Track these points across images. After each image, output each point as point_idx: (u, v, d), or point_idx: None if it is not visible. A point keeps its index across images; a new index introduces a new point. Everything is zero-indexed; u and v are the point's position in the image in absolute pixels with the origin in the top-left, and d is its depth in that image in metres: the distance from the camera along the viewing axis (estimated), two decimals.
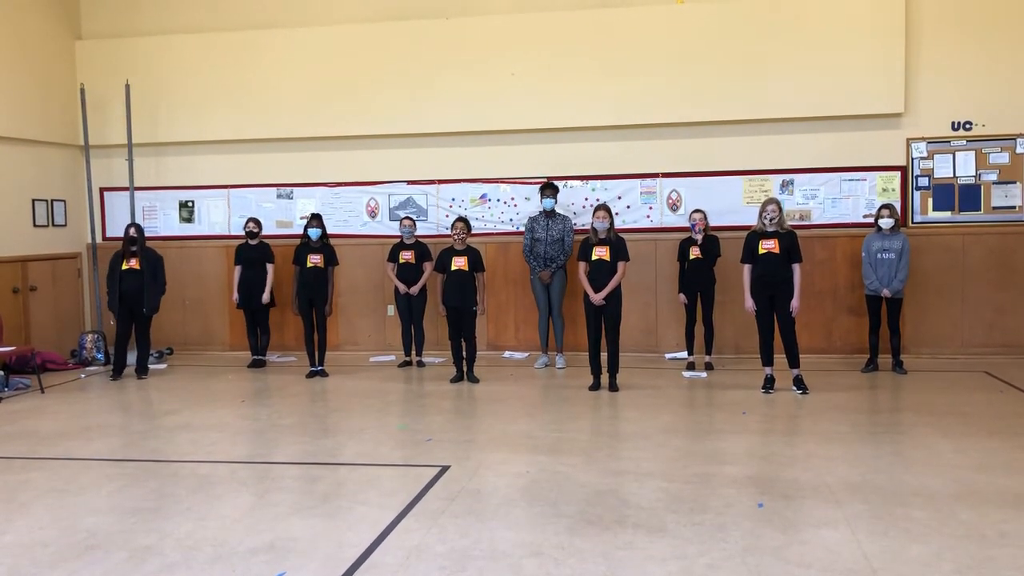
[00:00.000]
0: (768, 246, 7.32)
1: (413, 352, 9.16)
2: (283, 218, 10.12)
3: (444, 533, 4.23)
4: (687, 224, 8.88)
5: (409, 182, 9.88)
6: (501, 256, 9.69)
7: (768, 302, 7.38)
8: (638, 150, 9.41)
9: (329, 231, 9.17)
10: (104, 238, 10.36)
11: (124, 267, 8.60)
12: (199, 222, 10.36)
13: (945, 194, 8.95)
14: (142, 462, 5.67)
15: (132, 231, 8.72)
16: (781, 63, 8.94)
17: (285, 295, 9.46)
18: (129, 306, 8.58)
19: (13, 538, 4.31)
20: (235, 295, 9.22)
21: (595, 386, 7.68)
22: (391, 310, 9.64)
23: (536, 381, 8.26)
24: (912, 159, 8.98)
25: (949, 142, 8.92)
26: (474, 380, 8.15)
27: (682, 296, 8.60)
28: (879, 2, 8.80)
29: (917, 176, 8.99)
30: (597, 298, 7.50)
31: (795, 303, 7.27)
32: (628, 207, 9.44)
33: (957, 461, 5.29)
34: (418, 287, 8.89)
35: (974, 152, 8.89)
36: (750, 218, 8.46)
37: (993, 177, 8.88)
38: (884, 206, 8.25)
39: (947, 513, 4.38)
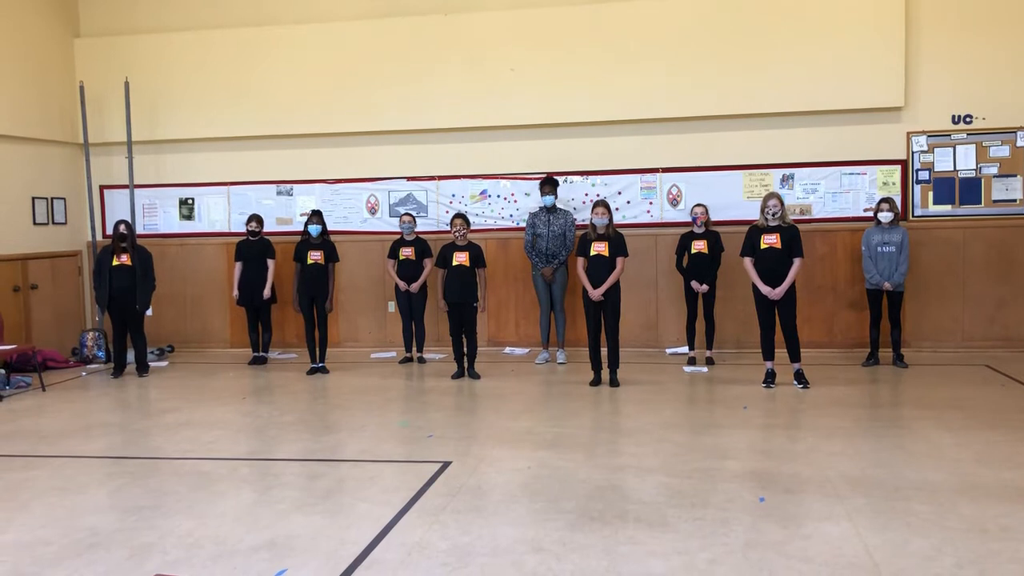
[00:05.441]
0: (770, 241, 7.31)
1: (414, 348, 9.16)
2: (283, 215, 10.11)
3: (446, 529, 4.23)
4: (687, 219, 8.89)
5: (409, 178, 9.88)
6: (501, 252, 9.68)
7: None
8: (638, 145, 9.39)
9: (329, 228, 9.17)
10: (104, 236, 10.33)
11: (115, 263, 8.59)
12: (199, 219, 10.36)
13: (945, 188, 8.94)
14: (143, 460, 5.67)
15: (122, 228, 8.72)
16: (781, 57, 8.92)
17: (286, 292, 9.46)
18: (120, 303, 8.58)
19: (14, 536, 4.31)
20: (235, 292, 9.22)
21: (596, 381, 7.67)
22: (392, 306, 9.64)
23: (537, 377, 8.25)
24: (912, 153, 8.97)
25: (949, 135, 8.91)
26: (475, 376, 8.15)
27: (695, 283, 8.47)
28: None
29: (917, 170, 8.98)
30: (596, 294, 7.50)
31: (779, 289, 7.24)
32: (628, 202, 9.43)
33: (958, 455, 5.29)
34: (418, 284, 8.89)
35: (974, 145, 8.87)
36: (750, 212, 8.47)
37: (993, 170, 8.86)
38: (883, 200, 8.24)
39: (948, 507, 4.37)
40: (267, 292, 9.13)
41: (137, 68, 10.08)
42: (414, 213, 9.40)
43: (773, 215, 7.34)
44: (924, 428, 5.95)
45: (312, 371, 8.65)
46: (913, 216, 8.97)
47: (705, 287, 8.45)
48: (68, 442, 6.18)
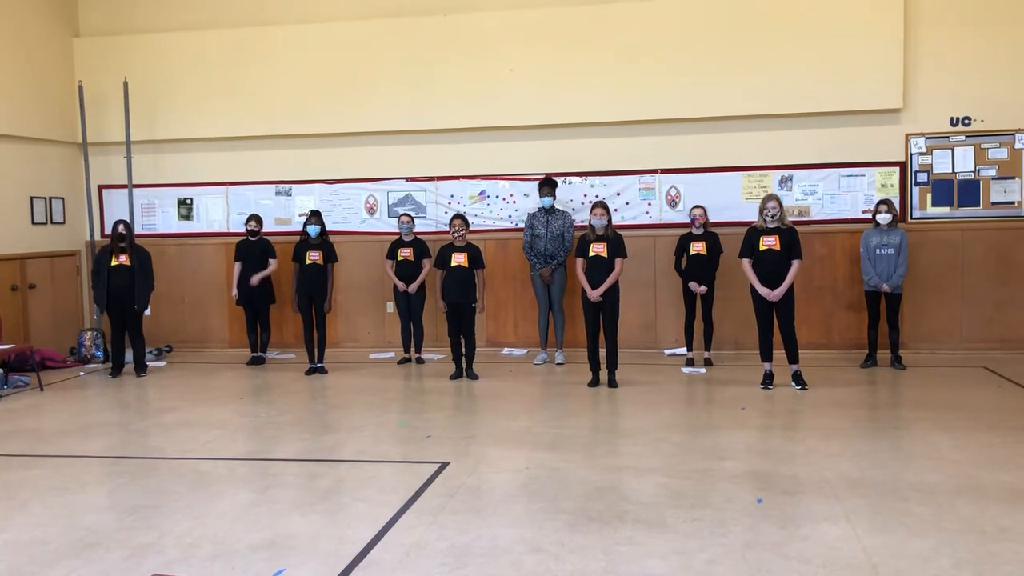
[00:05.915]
0: (769, 243, 7.32)
1: (412, 349, 9.16)
2: (282, 215, 10.11)
3: (444, 530, 4.23)
4: (686, 220, 8.90)
5: (408, 179, 9.88)
6: (500, 253, 9.68)
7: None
8: (637, 146, 9.39)
9: (328, 228, 9.16)
10: (103, 235, 10.31)
11: (113, 263, 8.59)
12: (198, 219, 10.35)
13: (944, 190, 8.95)
14: (141, 459, 5.67)
15: (121, 228, 8.72)
16: (780, 59, 8.92)
17: (285, 292, 9.45)
18: (120, 303, 8.58)
19: (12, 536, 4.31)
20: (235, 291, 9.22)
21: (594, 382, 7.68)
22: (390, 307, 9.64)
23: (535, 377, 8.26)
24: (911, 155, 8.98)
25: (948, 137, 8.92)
26: (473, 377, 8.15)
27: (694, 284, 8.48)
28: None
29: (916, 172, 8.99)
30: (594, 295, 7.50)
31: (778, 291, 7.25)
32: (627, 203, 9.43)
33: (956, 456, 5.29)
34: (416, 284, 8.89)
35: (973, 147, 8.88)
36: (749, 214, 8.47)
37: (992, 172, 8.87)
38: (882, 202, 8.25)
39: (946, 508, 4.38)
40: (255, 280, 9.09)
41: (136, 68, 10.07)
42: (413, 214, 9.41)
43: (772, 217, 7.34)
44: (922, 429, 5.95)
45: (310, 371, 8.65)
46: (912, 218, 8.98)
47: (703, 288, 8.46)
48: (66, 442, 6.18)
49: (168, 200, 10.40)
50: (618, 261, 7.54)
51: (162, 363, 9.46)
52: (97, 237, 10.33)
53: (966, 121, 8.88)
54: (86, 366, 9.43)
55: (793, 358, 7.42)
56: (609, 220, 7.65)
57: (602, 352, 7.67)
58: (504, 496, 4.73)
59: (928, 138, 8.93)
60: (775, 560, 3.78)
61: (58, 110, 10.05)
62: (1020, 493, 4.60)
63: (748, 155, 9.20)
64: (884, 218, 8.15)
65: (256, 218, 9.31)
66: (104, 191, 10.46)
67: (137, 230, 9.96)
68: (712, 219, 8.69)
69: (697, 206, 8.61)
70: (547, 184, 8.91)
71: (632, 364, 8.47)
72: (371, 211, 9.98)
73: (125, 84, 9.98)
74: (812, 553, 3.85)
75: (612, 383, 7.61)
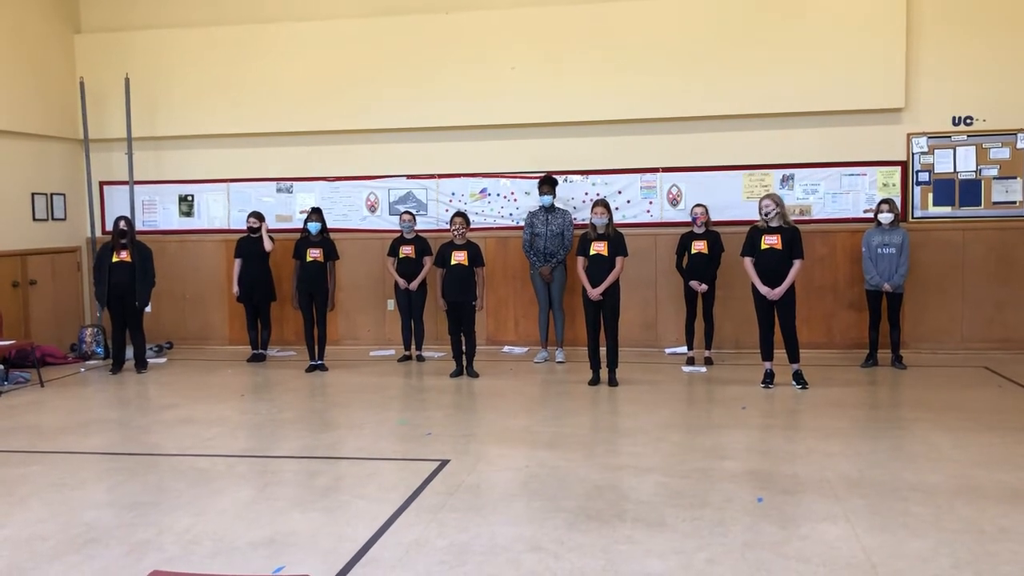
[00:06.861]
0: (771, 242, 7.31)
1: (413, 347, 9.16)
2: (283, 212, 10.11)
3: (443, 527, 4.23)
4: (687, 219, 8.89)
5: (409, 176, 9.88)
6: (500, 251, 9.68)
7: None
8: (638, 145, 9.39)
9: (329, 225, 9.16)
10: (104, 232, 10.32)
11: (115, 259, 8.60)
12: (198, 216, 10.35)
13: (945, 189, 8.94)
14: (141, 456, 5.67)
15: (122, 224, 8.73)
16: (782, 58, 8.91)
17: (285, 290, 9.45)
18: (120, 299, 8.58)
19: (12, 532, 4.31)
20: (236, 288, 9.21)
21: (594, 381, 7.67)
22: (391, 305, 9.64)
23: (536, 376, 8.26)
24: (912, 154, 8.97)
25: (950, 137, 8.91)
26: (474, 375, 8.15)
27: (695, 283, 8.47)
28: None
29: (917, 171, 8.98)
30: (595, 293, 7.50)
31: (778, 289, 7.24)
32: (628, 202, 9.43)
33: (956, 456, 5.29)
34: (417, 282, 8.89)
35: (974, 147, 8.87)
36: (750, 213, 8.46)
37: (994, 172, 8.86)
38: (883, 201, 8.24)
39: (946, 508, 4.38)
40: (264, 230, 9.16)
41: (137, 64, 10.06)
42: (414, 211, 9.40)
43: (767, 215, 7.33)
44: (922, 429, 5.95)
45: (311, 368, 8.65)
46: (913, 218, 8.97)
47: (704, 287, 8.45)
48: (66, 438, 6.18)
49: (169, 197, 10.40)
50: (619, 260, 7.54)
51: (162, 360, 9.46)
52: (98, 233, 10.34)
53: (968, 121, 8.87)
54: (87, 362, 9.44)
55: (794, 357, 7.41)
56: (610, 218, 7.65)
57: (602, 351, 7.67)
58: (504, 494, 4.73)
59: (930, 137, 8.92)
60: (774, 559, 3.78)
61: (59, 106, 10.04)
62: (1020, 493, 4.60)
63: (749, 154, 9.19)
64: (886, 217, 8.15)
65: (257, 215, 9.28)
66: (105, 187, 10.46)
67: (138, 226, 9.94)
68: (713, 218, 8.69)
69: (698, 205, 8.61)
70: (547, 182, 8.90)
71: (632, 363, 8.47)
72: (372, 208, 9.97)
73: (126, 80, 9.97)
74: (811, 553, 3.85)
75: (612, 382, 7.61)
